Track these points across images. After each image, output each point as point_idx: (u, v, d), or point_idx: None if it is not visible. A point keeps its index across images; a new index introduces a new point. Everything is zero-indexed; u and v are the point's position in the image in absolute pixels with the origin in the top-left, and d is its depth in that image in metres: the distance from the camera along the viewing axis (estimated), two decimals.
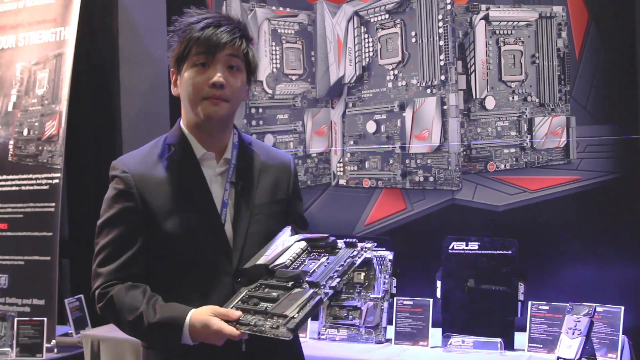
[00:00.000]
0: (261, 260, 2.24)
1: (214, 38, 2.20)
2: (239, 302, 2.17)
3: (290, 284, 2.13)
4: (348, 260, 2.15)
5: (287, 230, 2.35)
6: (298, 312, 2.00)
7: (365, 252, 2.20)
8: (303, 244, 2.29)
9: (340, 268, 2.12)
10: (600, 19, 3.64)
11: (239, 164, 2.36)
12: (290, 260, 2.23)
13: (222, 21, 2.24)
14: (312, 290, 2.06)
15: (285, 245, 2.27)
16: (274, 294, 2.13)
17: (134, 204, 2.24)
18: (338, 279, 2.09)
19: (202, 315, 2.13)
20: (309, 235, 2.32)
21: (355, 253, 2.19)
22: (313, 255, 2.26)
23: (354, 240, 2.23)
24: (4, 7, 5.00)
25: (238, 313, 2.10)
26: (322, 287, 2.07)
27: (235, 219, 2.31)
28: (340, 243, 2.25)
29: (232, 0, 4.50)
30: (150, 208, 2.24)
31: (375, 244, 2.25)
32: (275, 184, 2.42)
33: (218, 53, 2.22)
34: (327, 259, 2.20)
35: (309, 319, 2.10)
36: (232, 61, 2.25)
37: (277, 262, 2.22)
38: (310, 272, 2.15)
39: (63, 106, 4.61)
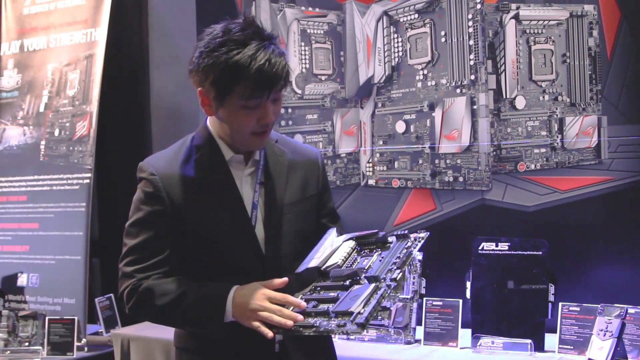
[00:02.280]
0: (312, 263, 2.21)
1: (269, 82, 2.14)
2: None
3: (347, 282, 2.10)
4: (404, 251, 2.13)
5: (333, 231, 2.33)
6: (364, 307, 1.95)
7: (419, 241, 2.17)
8: (352, 242, 2.27)
9: (398, 260, 2.09)
10: (633, 18, 3.60)
11: (267, 163, 2.36)
12: (342, 259, 2.20)
13: (270, 58, 2.13)
14: (373, 285, 2.02)
15: (334, 246, 2.25)
16: (332, 294, 2.09)
17: (164, 207, 2.24)
18: (398, 271, 2.05)
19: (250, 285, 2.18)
20: (357, 234, 2.30)
21: (409, 244, 2.16)
22: (364, 252, 2.23)
23: (405, 232, 2.21)
24: (35, 8, 5.05)
25: (303, 304, 2.11)
26: (382, 280, 2.04)
27: (266, 220, 2.30)
28: (391, 237, 2.22)
29: (262, 1, 4.50)
30: (180, 211, 2.24)
31: (429, 232, 2.21)
32: (305, 180, 2.41)
33: (271, 94, 2.17)
34: (380, 254, 2.17)
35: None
36: (278, 94, 2.22)
37: (329, 263, 2.19)
38: (366, 268, 2.13)
39: (94, 107, 4.65)
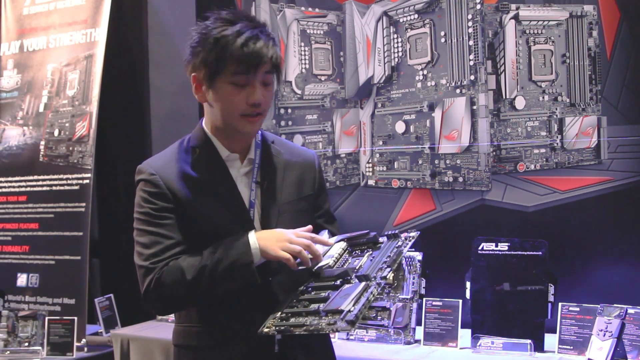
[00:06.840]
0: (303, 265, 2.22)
1: (255, 57, 2.17)
2: (288, 308, 2.14)
3: (338, 281, 2.10)
4: (395, 250, 2.13)
5: (324, 233, 2.33)
6: (354, 305, 1.95)
7: (410, 240, 2.17)
8: (343, 244, 2.28)
9: (388, 259, 2.10)
10: (632, 18, 3.60)
11: (263, 163, 2.37)
12: (334, 260, 2.21)
13: (258, 35, 2.19)
14: (363, 283, 2.02)
15: (325, 248, 2.26)
16: (323, 294, 2.09)
17: (169, 203, 2.25)
18: (388, 269, 2.06)
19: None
20: (347, 235, 2.31)
21: (400, 243, 2.17)
22: (355, 253, 2.24)
23: (396, 231, 2.22)
24: (35, 9, 5.05)
25: (331, 241, 2.24)
26: (372, 278, 2.04)
27: (263, 218, 2.31)
28: (382, 237, 2.23)
29: (262, 1, 4.50)
30: (182, 207, 2.25)
31: (419, 232, 2.22)
32: (301, 181, 2.42)
33: (258, 72, 2.20)
34: (371, 254, 2.18)
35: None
36: (268, 78, 2.24)
37: (321, 264, 2.20)
38: (357, 268, 2.13)
39: (93, 107, 4.65)
